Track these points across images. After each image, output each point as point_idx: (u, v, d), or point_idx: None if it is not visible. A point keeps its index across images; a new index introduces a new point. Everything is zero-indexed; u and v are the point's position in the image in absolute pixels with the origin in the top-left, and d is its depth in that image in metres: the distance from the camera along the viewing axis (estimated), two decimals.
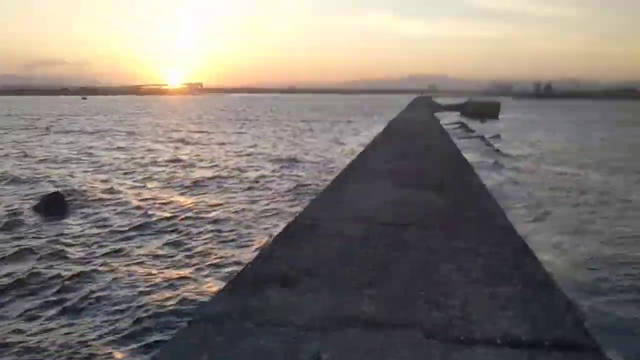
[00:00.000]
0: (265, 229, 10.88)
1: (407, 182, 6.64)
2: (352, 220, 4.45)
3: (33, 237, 10.34)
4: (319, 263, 3.27)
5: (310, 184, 15.90)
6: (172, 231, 11.12)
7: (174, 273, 8.55)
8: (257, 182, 16.74)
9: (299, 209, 12.24)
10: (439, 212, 5.01)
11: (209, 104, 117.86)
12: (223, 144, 29.15)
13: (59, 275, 8.29)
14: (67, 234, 10.62)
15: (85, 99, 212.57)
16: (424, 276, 3.11)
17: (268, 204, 13.33)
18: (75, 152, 24.83)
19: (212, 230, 11.04)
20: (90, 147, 27.22)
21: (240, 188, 15.80)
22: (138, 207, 13.38)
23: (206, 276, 8.20)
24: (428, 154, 10.36)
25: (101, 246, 9.88)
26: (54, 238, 10.31)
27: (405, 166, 8.30)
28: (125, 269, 8.65)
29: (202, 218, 12.18)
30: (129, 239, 10.51)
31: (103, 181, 16.67)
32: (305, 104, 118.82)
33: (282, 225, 10.33)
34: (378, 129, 27.75)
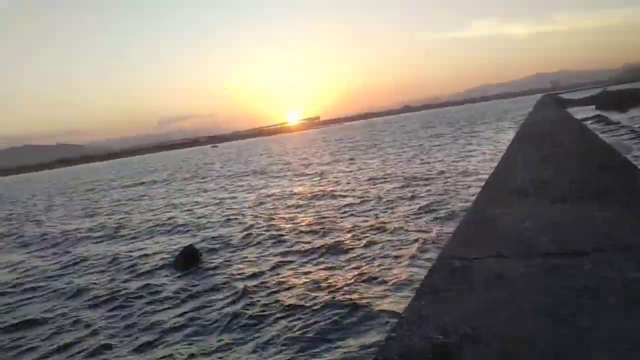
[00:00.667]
0: (406, 269, 10.16)
1: (562, 195, 5.64)
2: (508, 254, 3.67)
3: (171, 290, 10.61)
4: (482, 322, 2.56)
5: (446, 204, 15.00)
6: (311, 265, 10.94)
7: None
8: (390, 206, 16.18)
9: (438, 237, 11.50)
10: (615, 229, 4.04)
11: (329, 136, 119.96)
12: (350, 171, 29.03)
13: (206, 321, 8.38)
14: (202, 284, 10.79)
15: (216, 146, 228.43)
16: (636, 335, 2.28)
17: (404, 234, 12.63)
18: (213, 198, 26.02)
19: (349, 266, 10.69)
20: (229, 191, 28.33)
21: (373, 214, 15.35)
22: (279, 242, 13.56)
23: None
24: (574, 156, 9.09)
25: (238, 286, 9.90)
26: (190, 289, 10.51)
27: (551, 174, 7.23)
28: (277, 304, 8.53)
29: (337, 252, 11.91)
30: (275, 270, 10.48)
31: (245, 223, 17.07)
32: (423, 121, 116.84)
33: (424, 262, 9.75)
34: (509, 134, 26.01)
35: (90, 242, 18.47)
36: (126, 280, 12.02)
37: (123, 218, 23.34)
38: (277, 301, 9.10)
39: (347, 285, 9.44)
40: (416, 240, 11.58)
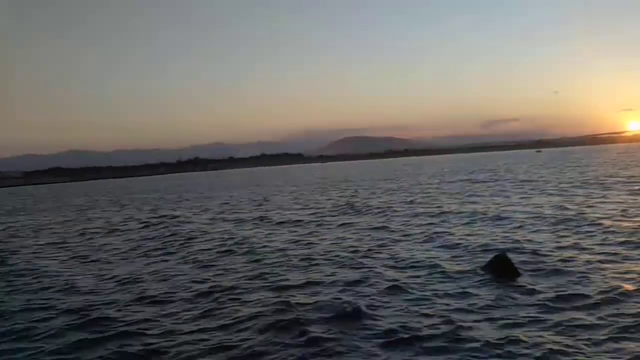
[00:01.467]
0: None
1: None
2: None
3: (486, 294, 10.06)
4: None
5: None
6: None
7: None
8: None
9: None
10: None
11: None
12: None
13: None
14: (514, 294, 9.96)
15: (540, 151, 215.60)
16: None
17: None
18: (524, 206, 23.53)
19: None
20: (561, 198, 25.75)
21: None
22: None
23: None
24: None
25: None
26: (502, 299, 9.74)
27: None
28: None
29: None
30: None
31: (557, 241, 15.01)
32: None
33: None
34: None
35: (409, 221, 20.26)
36: (432, 273, 11.93)
37: (440, 207, 24.02)
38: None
39: None
40: None
